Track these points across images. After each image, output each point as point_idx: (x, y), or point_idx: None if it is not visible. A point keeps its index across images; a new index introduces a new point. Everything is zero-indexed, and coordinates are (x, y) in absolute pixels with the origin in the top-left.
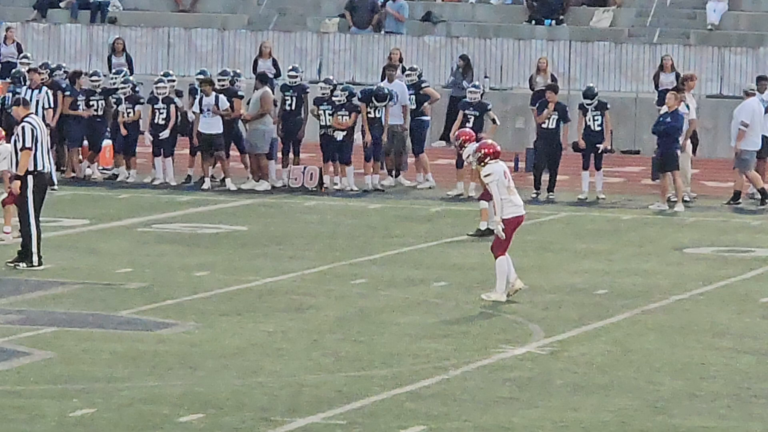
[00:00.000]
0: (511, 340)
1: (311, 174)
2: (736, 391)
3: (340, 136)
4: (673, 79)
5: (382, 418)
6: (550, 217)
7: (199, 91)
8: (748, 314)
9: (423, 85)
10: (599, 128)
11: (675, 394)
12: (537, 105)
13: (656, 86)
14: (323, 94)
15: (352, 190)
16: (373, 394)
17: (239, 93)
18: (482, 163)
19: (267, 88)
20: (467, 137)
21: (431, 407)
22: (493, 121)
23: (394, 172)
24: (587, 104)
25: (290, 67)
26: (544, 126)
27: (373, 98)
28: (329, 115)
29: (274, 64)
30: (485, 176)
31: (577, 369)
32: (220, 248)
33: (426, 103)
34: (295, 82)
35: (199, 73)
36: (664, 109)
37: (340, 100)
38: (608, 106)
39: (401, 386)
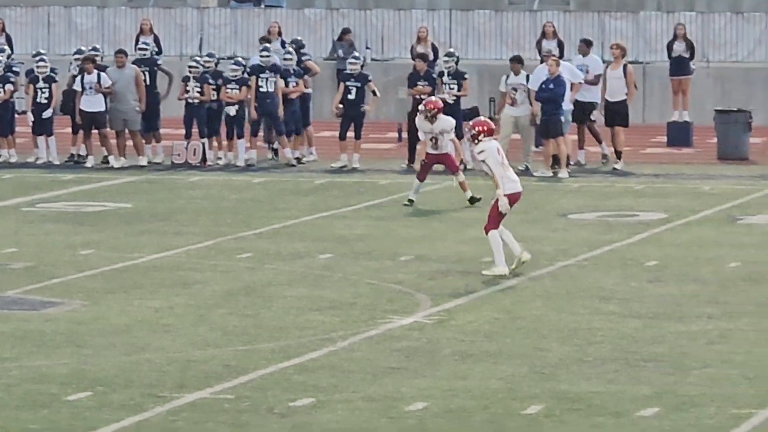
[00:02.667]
0: (398, 310)
1: (194, 149)
2: (624, 356)
3: (232, 110)
4: (555, 45)
5: (270, 391)
6: (435, 186)
7: (79, 70)
8: (634, 278)
9: (303, 58)
10: (454, 98)
11: (562, 359)
12: (408, 76)
13: (539, 53)
14: (208, 68)
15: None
16: (261, 367)
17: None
18: (476, 141)
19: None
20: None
21: (319, 379)
22: (374, 92)
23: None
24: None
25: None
26: (417, 97)
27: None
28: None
29: (156, 40)
30: (479, 153)
31: (464, 337)
32: (105, 226)
33: (306, 76)
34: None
35: (77, 52)
36: (545, 74)
37: (233, 75)
38: (466, 75)
39: (289, 359)
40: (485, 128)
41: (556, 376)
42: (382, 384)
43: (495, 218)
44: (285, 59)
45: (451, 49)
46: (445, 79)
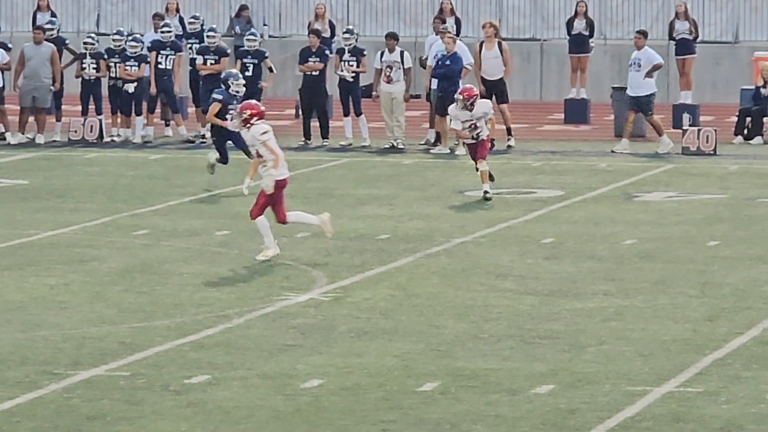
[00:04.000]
0: (294, 287)
1: (91, 126)
2: (519, 333)
3: (131, 87)
4: (452, 22)
5: (166, 368)
6: (332, 164)
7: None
8: (531, 255)
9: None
10: (353, 78)
11: (458, 336)
12: (300, 51)
13: (436, 32)
14: (116, 46)
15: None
16: (157, 344)
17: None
18: (247, 125)
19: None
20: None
21: (215, 356)
22: (270, 69)
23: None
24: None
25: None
26: (308, 73)
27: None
28: (118, 66)
29: (53, 16)
30: (261, 134)
31: (360, 314)
32: (1, 202)
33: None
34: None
35: None
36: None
37: (133, 52)
38: (365, 52)
39: (184, 336)
40: (256, 111)
41: (451, 353)
42: (277, 361)
43: (262, 205)
44: (208, 36)
45: (351, 26)
46: (345, 56)
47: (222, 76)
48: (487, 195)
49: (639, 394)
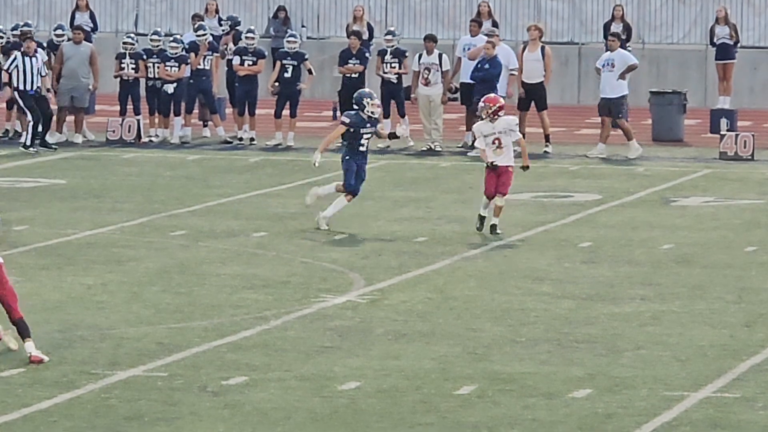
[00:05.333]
0: (332, 289)
1: (129, 126)
2: (557, 337)
3: (170, 88)
4: (490, 25)
5: (204, 369)
6: (369, 165)
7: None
8: (568, 259)
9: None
10: (396, 78)
11: (495, 340)
12: (340, 53)
13: (472, 34)
14: (154, 46)
15: (184, 142)
16: (194, 345)
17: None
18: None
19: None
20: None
21: (252, 358)
22: (309, 71)
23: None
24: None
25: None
26: (347, 75)
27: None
28: (157, 66)
29: (91, 16)
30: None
31: (397, 317)
32: (39, 202)
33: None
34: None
35: (14, 28)
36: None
37: (173, 53)
38: (406, 53)
39: (222, 337)
40: (502, 104)
41: (488, 357)
42: (315, 363)
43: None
44: (247, 37)
45: (392, 28)
46: (387, 57)
47: (355, 97)
48: (498, 231)
49: (676, 399)
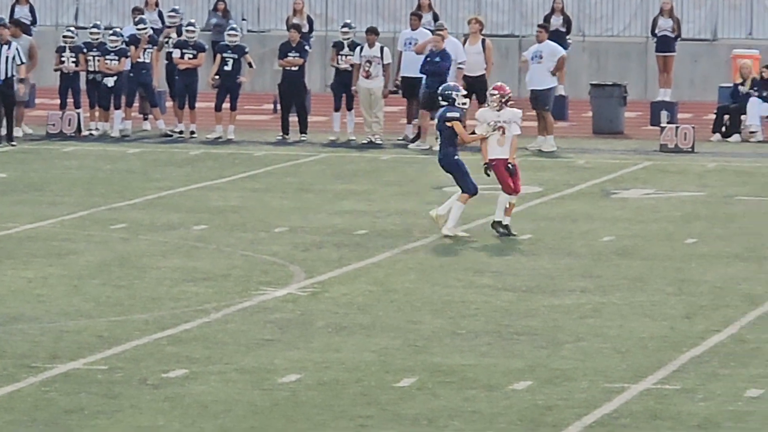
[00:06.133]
0: (272, 282)
1: (69, 119)
2: (497, 329)
3: (110, 81)
4: (431, 18)
5: (144, 362)
6: (310, 158)
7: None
8: (508, 251)
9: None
10: (351, 68)
11: (436, 332)
12: (280, 46)
13: (413, 28)
14: (94, 39)
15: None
16: (135, 338)
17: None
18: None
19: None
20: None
21: (193, 350)
22: (250, 64)
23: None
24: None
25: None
26: (288, 68)
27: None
28: (97, 60)
29: (31, 9)
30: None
31: (338, 309)
32: None
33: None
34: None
35: None
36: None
37: (113, 46)
38: (362, 46)
39: (162, 330)
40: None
41: (429, 349)
42: (255, 356)
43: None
44: (187, 31)
45: (349, 21)
46: (344, 50)
47: (441, 91)
48: (513, 232)
49: (616, 391)
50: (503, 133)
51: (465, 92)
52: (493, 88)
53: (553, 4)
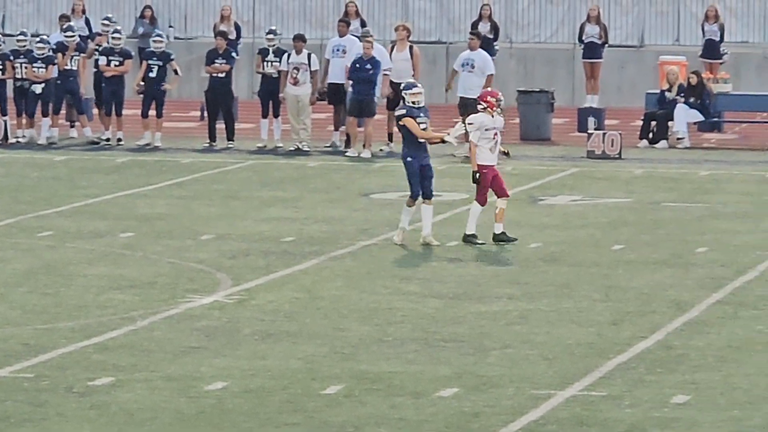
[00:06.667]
0: (199, 290)
1: None
2: (424, 336)
3: (38, 89)
4: (358, 24)
5: (70, 370)
6: (237, 166)
7: None
8: (435, 258)
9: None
10: (277, 74)
11: (362, 339)
12: (206, 54)
13: (340, 34)
14: (21, 47)
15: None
16: (61, 346)
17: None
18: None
19: None
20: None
21: (119, 358)
22: (175, 71)
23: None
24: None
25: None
26: (215, 75)
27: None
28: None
29: None
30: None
31: (264, 317)
32: None
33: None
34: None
35: None
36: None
37: (40, 53)
38: (288, 52)
39: (89, 338)
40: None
41: (355, 356)
42: (181, 363)
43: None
44: (113, 38)
45: (274, 27)
46: (269, 56)
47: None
48: (510, 237)
49: (543, 398)
50: (496, 143)
51: (419, 90)
52: (492, 95)
53: (481, 10)
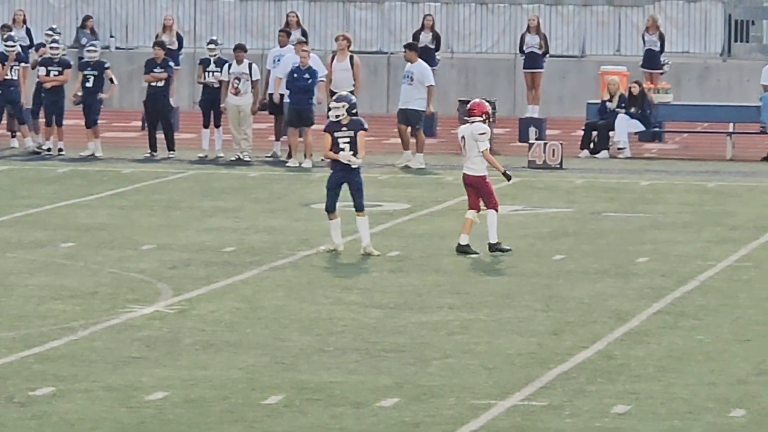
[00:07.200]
0: (140, 300)
1: None
2: (365, 346)
3: None
4: (299, 35)
5: (11, 380)
6: (178, 176)
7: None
8: (376, 269)
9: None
10: (219, 84)
11: (303, 349)
12: (145, 63)
13: (281, 44)
14: None
15: None
16: (1, 356)
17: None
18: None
19: None
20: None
21: (60, 368)
22: (111, 80)
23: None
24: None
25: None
26: (153, 84)
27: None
28: None
29: None
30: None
31: (205, 327)
32: None
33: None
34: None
35: None
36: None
37: None
38: (229, 62)
39: (29, 348)
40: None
41: (296, 366)
42: (122, 373)
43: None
44: (52, 48)
45: (214, 37)
46: (210, 66)
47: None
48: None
49: (483, 408)
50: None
51: (336, 105)
52: (487, 107)
53: (423, 20)
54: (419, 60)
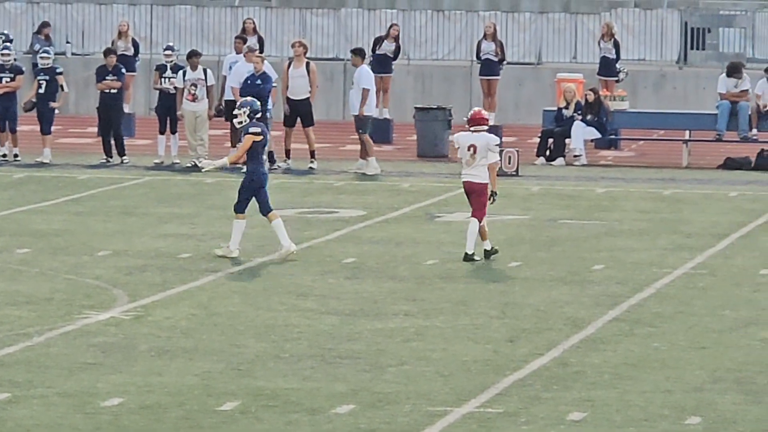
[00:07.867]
0: (95, 306)
1: None
2: (320, 352)
3: None
4: (255, 41)
5: None
6: (133, 182)
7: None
8: (332, 275)
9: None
10: (174, 90)
11: (259, 356)
12: (97, 69)
13: (237, 51)
14: None
15: None
16: None
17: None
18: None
19: None
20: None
21: (15, 374)
22: (61, 87)
23: None
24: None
25: None
26: (106, 91)
27: None
28: None
29: None
30: None
31: (161, 333)
32: None
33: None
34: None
35: None
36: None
37: None
38: (185, 69)
39: None
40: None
41: (252, 373)
42: (78, 379)
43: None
44: (3, 54)
45: (171, 43)
46: (167, 72)
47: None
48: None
49: (439, 415)
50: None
51: (237, 111)
52: (486, 116)
53: (390, 29)
54: (363, 65)
